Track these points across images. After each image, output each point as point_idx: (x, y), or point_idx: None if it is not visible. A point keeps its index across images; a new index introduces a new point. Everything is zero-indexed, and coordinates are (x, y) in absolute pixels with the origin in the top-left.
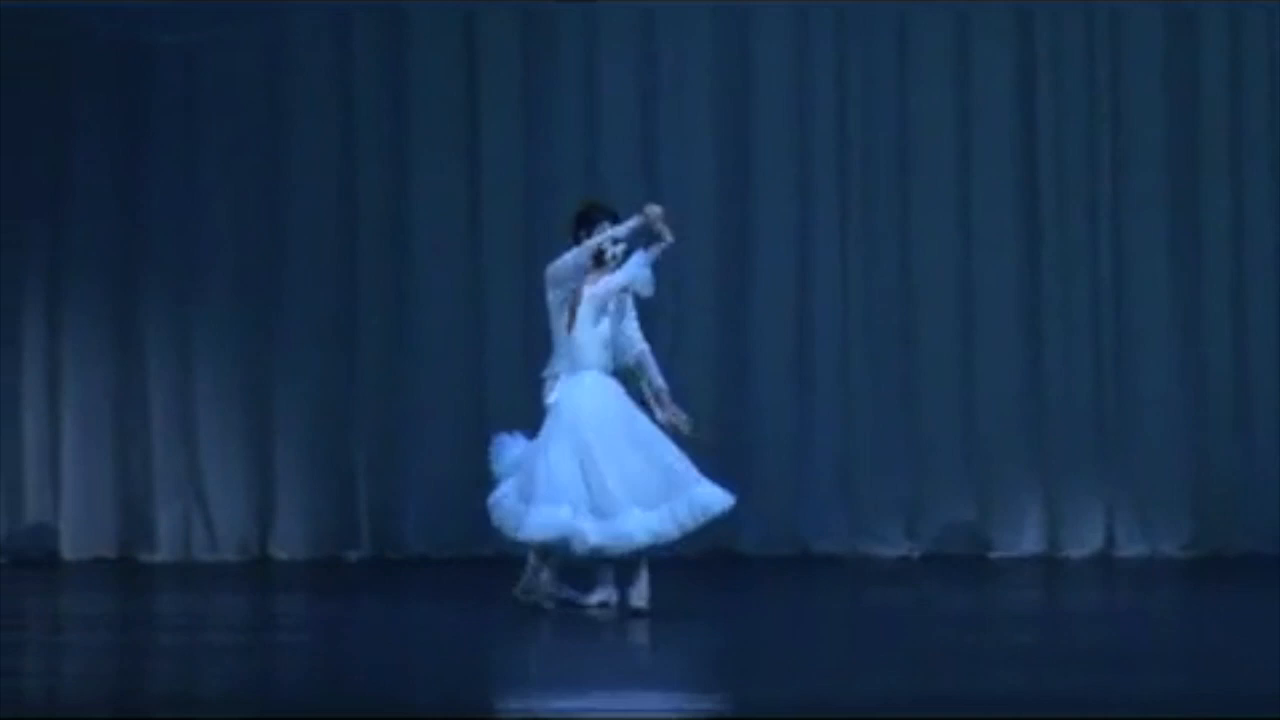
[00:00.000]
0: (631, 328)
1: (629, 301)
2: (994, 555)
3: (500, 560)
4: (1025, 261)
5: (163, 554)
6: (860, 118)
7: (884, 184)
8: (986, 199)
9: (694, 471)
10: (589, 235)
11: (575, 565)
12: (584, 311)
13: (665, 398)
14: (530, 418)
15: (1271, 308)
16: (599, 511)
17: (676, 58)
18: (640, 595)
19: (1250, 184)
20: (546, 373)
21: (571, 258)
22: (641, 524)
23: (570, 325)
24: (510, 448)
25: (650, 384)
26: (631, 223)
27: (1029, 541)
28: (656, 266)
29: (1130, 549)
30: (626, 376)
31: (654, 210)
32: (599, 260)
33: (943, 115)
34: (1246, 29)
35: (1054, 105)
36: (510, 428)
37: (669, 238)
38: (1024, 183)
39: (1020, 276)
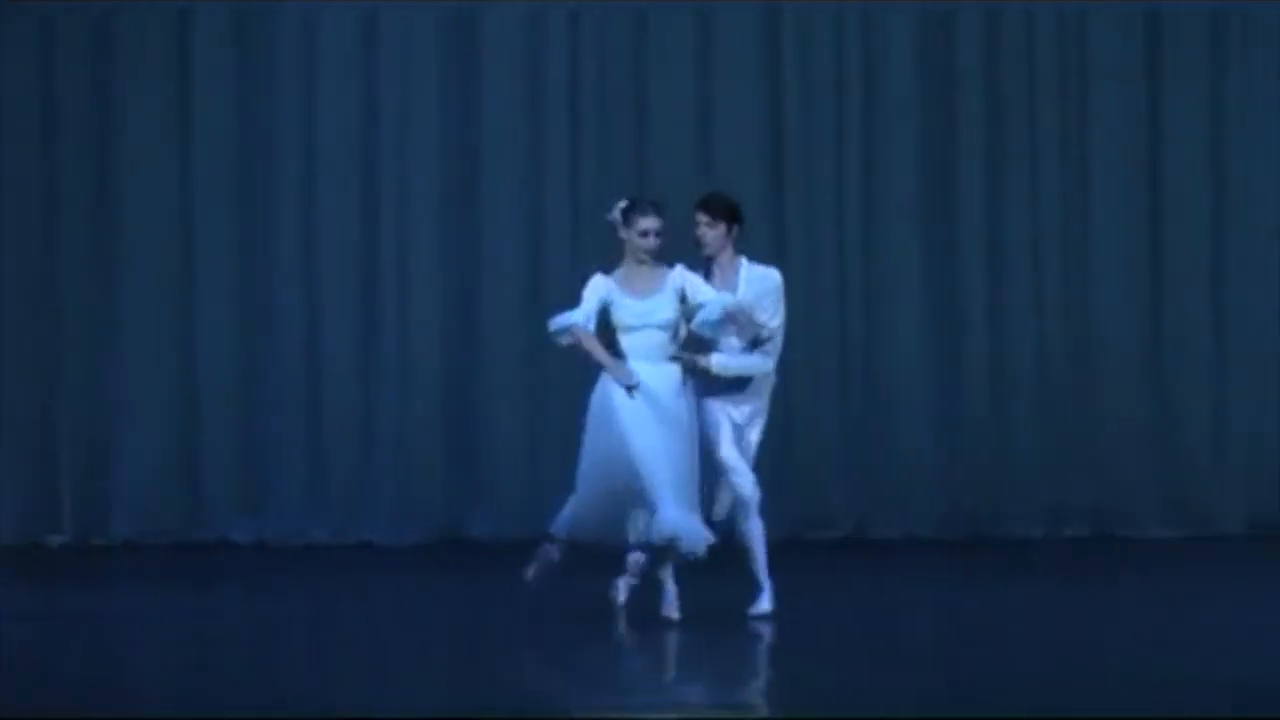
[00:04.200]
0: None
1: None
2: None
3: (214, 546)
4: (775, 257)
5: None
6: (596, 116)
7: (619, 180)
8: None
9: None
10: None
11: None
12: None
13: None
14: (243, 402)
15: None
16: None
17: (403, 58)
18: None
19: (1006, 182)
20: None
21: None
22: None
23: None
24: None
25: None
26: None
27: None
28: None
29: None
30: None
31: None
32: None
33: (684, 112)
34: (1004, 28)
35: (802, 103)
36: (219, 413)
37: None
38: (770, 181)
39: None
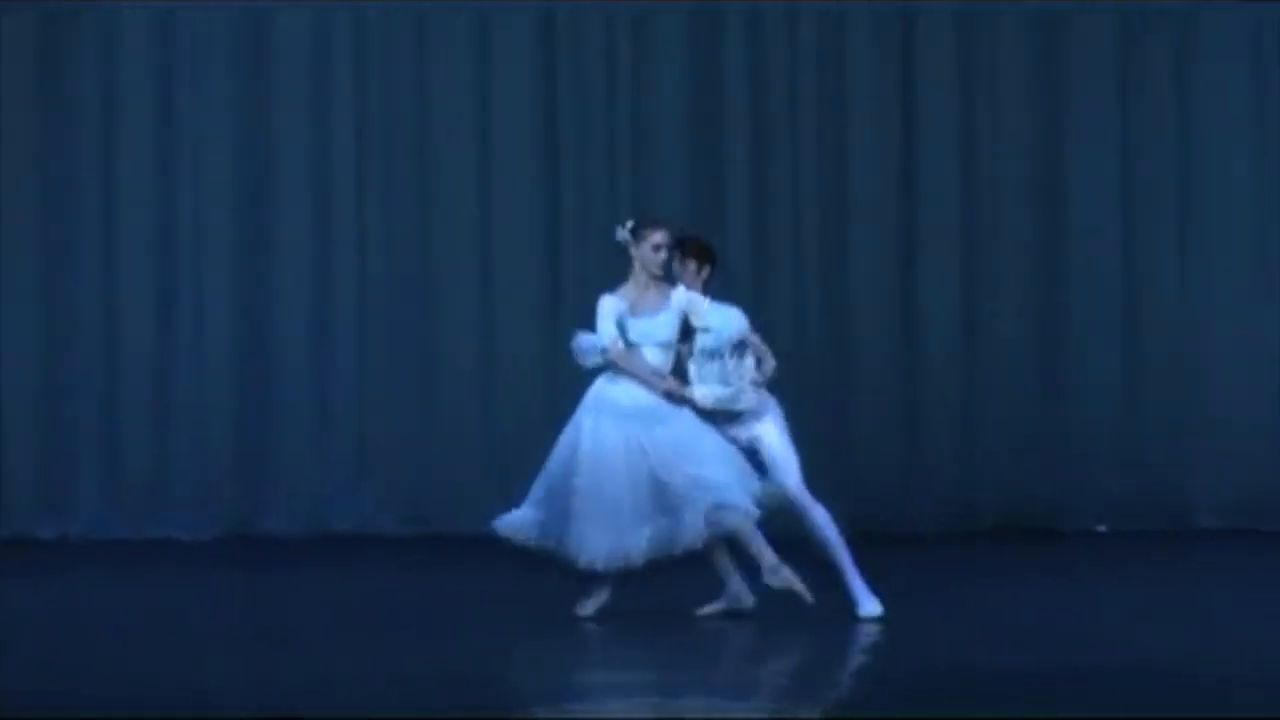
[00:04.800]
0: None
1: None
2: None
3: (16, 543)
4: (547, 254)
5: None
6: (378, 118)
7: (404, 178)
8: (508, 194)
9: None
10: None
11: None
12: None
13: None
14: (43, 400)
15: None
16: None
17: (196, 59)
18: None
19: (772, 181)
20: None
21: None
22: None
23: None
24: None
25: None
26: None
27: None
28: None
29: None
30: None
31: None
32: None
33: (464, 114)
34: (767, 28)
35: (575, 105)
36: (19, 412)
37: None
38: (546, 179)
39: (541, 269)
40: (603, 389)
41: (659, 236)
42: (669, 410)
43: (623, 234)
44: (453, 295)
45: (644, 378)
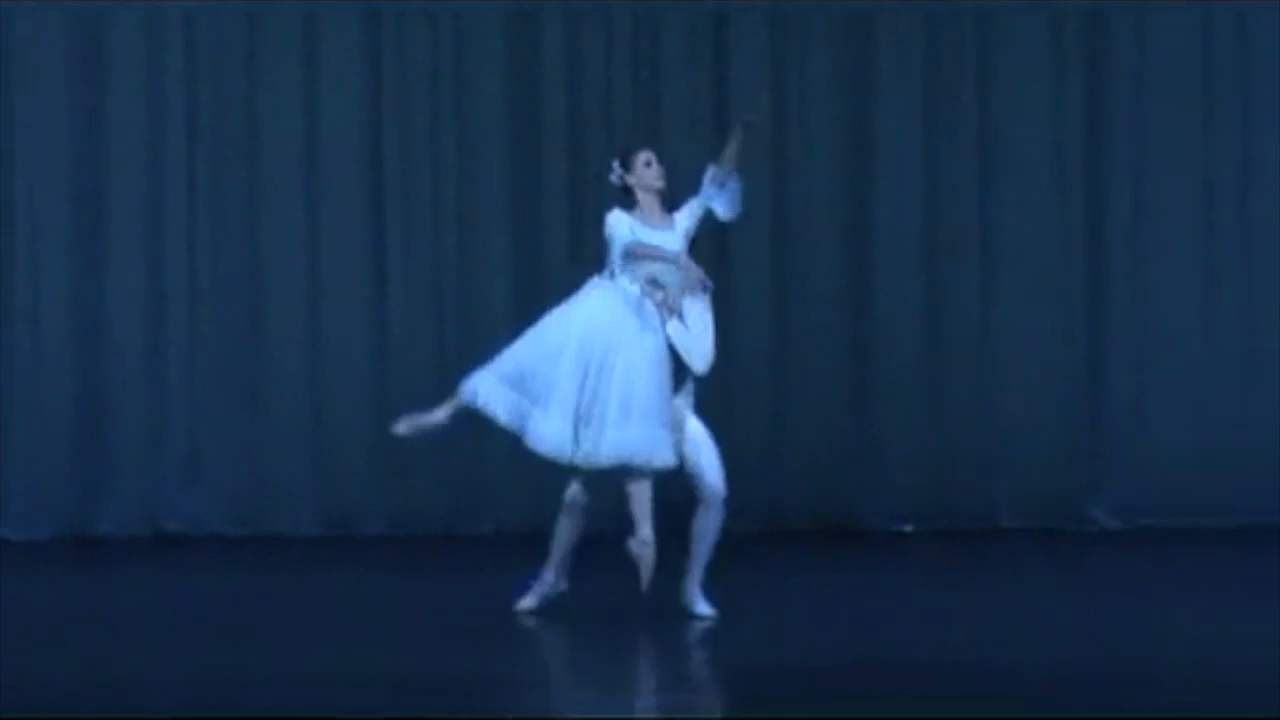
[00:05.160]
0: None
1: None
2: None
3: None
4: (372, 257)
5: None
6: (210, 118)
7: (233, 181)
8: (334, 195)
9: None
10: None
11: None
12: None
13: None
14: None
15: None
16: None
17: (30, 60)
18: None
19: (589, 182)
20: None
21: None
22: None
23: None
24: None
25: None
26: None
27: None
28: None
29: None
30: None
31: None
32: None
33: (291, 113)
34: (585, 28)
35: (399, 105)
36: None
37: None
38: (370, 180)
39: (366, 272)
40: (592, 290)
41: (646, 153)
42: (641, 334)
43: (617, 173)
44: (280, 297)
45: (658, 254)
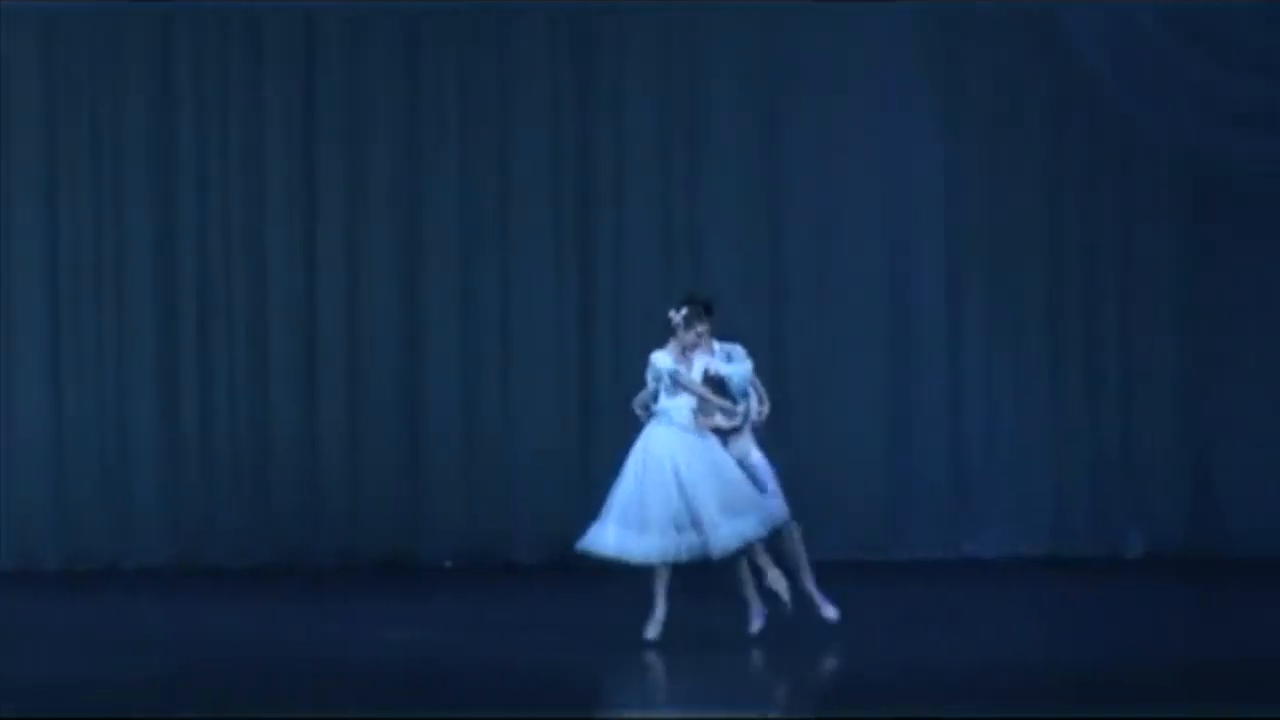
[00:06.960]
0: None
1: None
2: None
3: None
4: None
5: None
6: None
7: (28, 194)
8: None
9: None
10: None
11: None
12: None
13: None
14: None
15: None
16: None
17: None
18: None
19: (365, 204)
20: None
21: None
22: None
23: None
24: None
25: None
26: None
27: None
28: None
29: None
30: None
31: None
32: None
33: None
34: (358, 34)
35: (194, 112)
36: None
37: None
38: (162, 194)
39: (159, 291)
40: (652, 430)
41: (703, 327)
42: (701, 441)
43: (676, 318)
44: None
45: (700, 391)
